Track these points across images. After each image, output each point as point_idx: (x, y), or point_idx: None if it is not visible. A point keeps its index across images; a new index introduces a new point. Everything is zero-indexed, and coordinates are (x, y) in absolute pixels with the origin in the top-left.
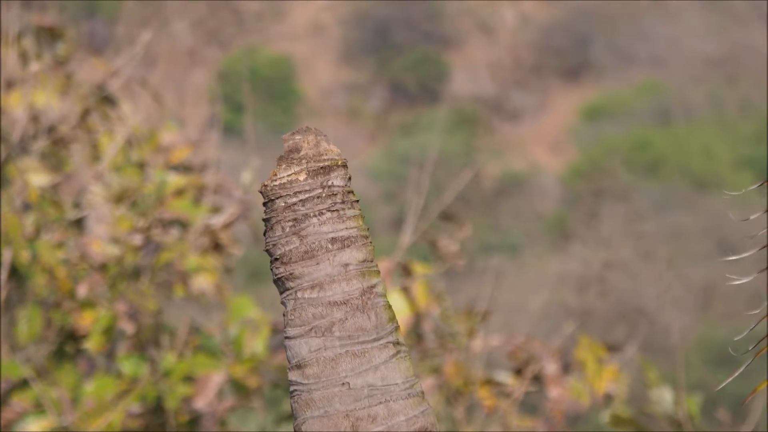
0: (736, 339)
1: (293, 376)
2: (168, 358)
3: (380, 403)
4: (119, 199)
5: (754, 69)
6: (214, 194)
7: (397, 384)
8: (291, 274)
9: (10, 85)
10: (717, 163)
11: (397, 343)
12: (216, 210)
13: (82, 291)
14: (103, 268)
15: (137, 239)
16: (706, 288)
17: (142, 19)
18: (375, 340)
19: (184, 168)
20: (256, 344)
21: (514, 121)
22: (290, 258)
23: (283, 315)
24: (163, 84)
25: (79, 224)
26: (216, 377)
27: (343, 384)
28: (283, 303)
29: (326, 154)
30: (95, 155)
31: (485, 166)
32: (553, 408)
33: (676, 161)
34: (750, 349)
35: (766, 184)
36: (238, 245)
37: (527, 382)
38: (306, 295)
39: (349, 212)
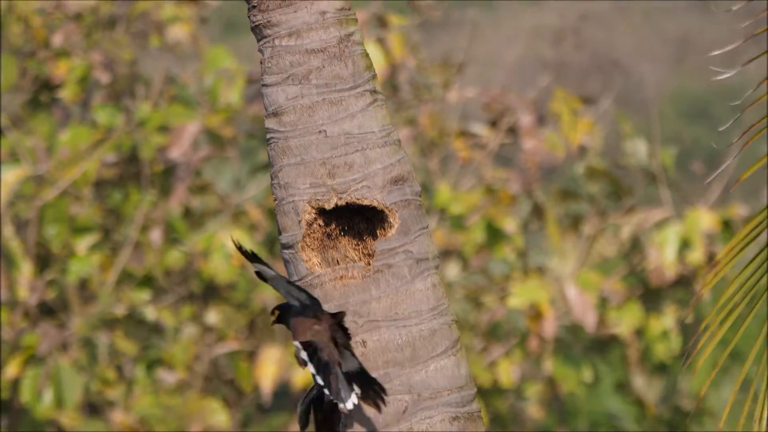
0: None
1: (270, 123)
2: (143, 108)
3: (357, 150)
4: None
5: None
6: None
7: (373, 132)
8: (269, 21)
9: None
10: None
11: (374, 92)
12: None
13: (57, 40)
14: (78, 17)
15: None
16: (681, 40)
17: None
18: (352, 88)
19: None
20: (232, 94)
21: None
22: (268, 5)
23: (260, 63)
24: None
25: None
26: (191, 127)
27: (320, 132)
28: (260, 51)
29: None
30: None
31: None
32: (527, 160)
33: None
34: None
35: None
36: None
37: (502, 134)
38: (283, 43)
39: None
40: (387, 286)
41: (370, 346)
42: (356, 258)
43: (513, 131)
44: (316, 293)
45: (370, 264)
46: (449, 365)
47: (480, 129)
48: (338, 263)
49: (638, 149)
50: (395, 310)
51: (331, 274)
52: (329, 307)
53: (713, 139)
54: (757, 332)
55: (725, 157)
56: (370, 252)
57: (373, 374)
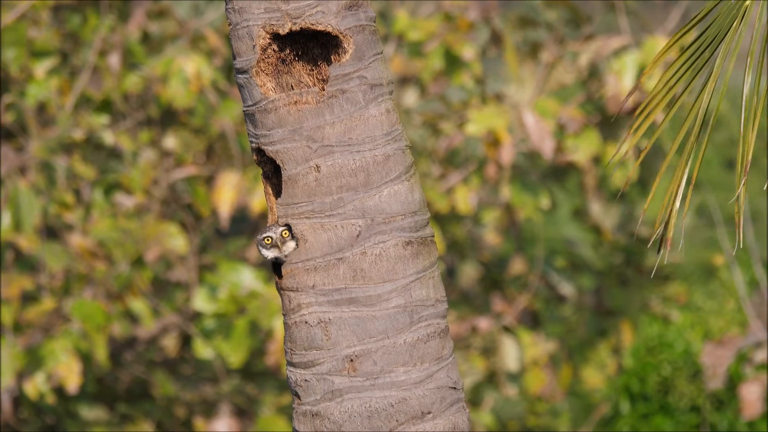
0: None
1: None
2: None
3: None
4: None
5: None
6: None
7: None
8: None
9: None
10: None
11: None
12: None
13: None
14: None
15: None
16: None
17: None
18: None
19: None
20: None
21: None
22: None
23: None
24: None
25: None
26: None
27: None
28: None
29: None
30: None
31: None
32: None
33: None
34: None
35: None
36: None
37: None
38: None
39: None
40: (341, 111)
41: (323, 171)
42: (310, 83)
43: None
44: (270, 118)
45: (324, 89)
46: (403, 190)
47: None
48: (292, 88)
49: None
50: (349, 135)
51: (285, 99)
52: (283, 131)
53: None
54: (713, 159)
55: None
56: (325, 77)
57: (327, 199)
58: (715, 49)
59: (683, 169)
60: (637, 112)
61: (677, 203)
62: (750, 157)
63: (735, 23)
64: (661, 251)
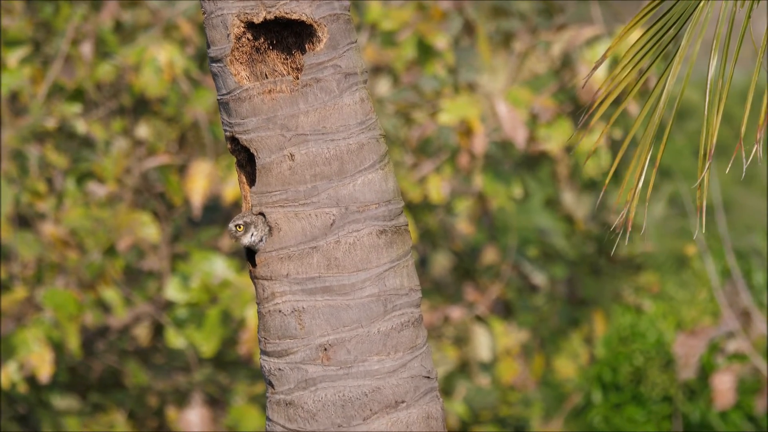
0: None
1: None
2: None
3: None
4: None
5: None
6: None
7: None
8: None
9: None
10: None
11: None
12: None
13: None
14: None
15: None
16: None
17: None
18: None
19: None
20: None
21: None
22: None
23: None
24: None
25: None
26: None
27: None
28: None
29: None
30: None
31: None
32: None
33: None
34: None
35: None
36: None
37: None
38: None
39: None
40: (315, 100)
41: (298, 160)
42: (285, 72)
43: None
44: (245, 107)
45: (298, 78)
46: (377, 179)
47: None
48: (267, 77)
49: None
50: (323, 123)
51: (259, 88)
52: (257, 120)
53: None
54: (685, 149)
55: None
56: (299, 66)
57: (301, 188)
58: (680, 29)
59: (647, 152)
60: (602, 95)
61: (640, 185)
62: (714, 142)
63: (701, 4)
64: (635, 239)
